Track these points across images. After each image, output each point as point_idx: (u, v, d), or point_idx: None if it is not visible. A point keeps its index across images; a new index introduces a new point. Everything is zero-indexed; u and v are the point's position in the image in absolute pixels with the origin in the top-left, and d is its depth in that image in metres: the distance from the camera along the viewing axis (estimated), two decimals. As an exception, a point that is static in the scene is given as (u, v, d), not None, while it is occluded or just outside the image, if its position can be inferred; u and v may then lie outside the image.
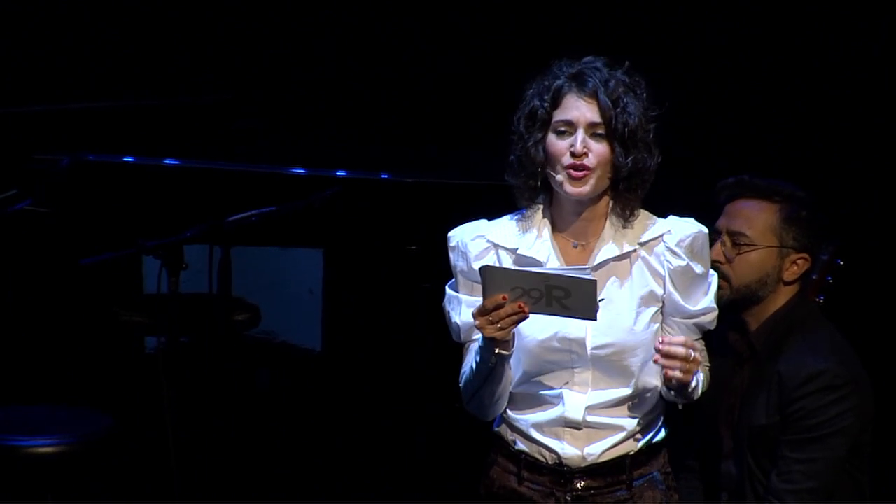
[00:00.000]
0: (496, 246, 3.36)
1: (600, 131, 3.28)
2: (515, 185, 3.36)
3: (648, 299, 3.34)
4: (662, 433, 3.45)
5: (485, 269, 3.16)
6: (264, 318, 5.68)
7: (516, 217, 3.40)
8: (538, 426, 3.37)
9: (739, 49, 5.75)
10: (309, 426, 5.66)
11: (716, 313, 3.39)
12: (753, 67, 5.74)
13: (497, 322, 3.16)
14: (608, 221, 3.35)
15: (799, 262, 3.92)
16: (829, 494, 3.82)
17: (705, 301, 3.36)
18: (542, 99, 3.32)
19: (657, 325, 3.35)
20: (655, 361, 3.23)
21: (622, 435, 3.37)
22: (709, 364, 3.45)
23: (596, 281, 3.13)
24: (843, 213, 5.03)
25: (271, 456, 5.61)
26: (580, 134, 3.27)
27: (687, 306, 3.34)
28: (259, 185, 5.18)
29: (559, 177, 3.28)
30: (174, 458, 4.13)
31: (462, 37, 6.30)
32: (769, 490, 3.81)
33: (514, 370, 3.35)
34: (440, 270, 3.49)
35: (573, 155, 3.26)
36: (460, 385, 3.39)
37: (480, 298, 3.18)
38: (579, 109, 3.28)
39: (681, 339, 3.24)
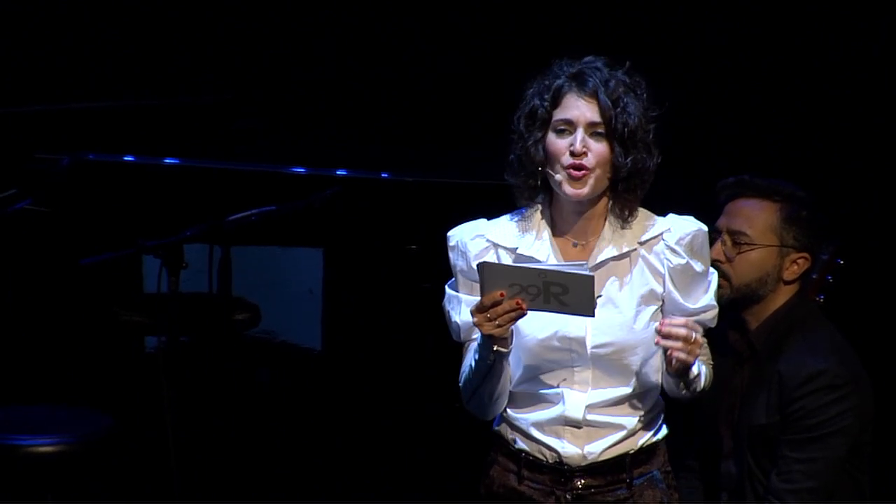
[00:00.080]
0: (496, 245, 3.36)
1: (600, 130, 3.28)
2: (515, 185, 3.36)
3: (648, 298, 3.34)
4: (662, 432, 3.45)
5: (482, 266, 3.16)
6: (264, 318, 5.68)
7: (516, 216, 3.40)
8: (538, 425, 3.37)
9: (739, 49, 5.75)
10: (309, 426, 5.66)
11: (716, 311, 3.38)
12: (753, 67, 5.74)
13: (495, 319, 3.16)
14: (608, 221, 3.35)
15: (799, 261, 3.92)
16: (829, 494, 3.82)
17: (705, 299, 3.36)
18: (542, 98, 3.32)
19: (657, 324, 3.34)
20: (657, 343, 3.23)
21: (622, 434, 3.37)
22: (712, 362, 3.44)
23: (593, 277, 3.13)
24: (843, 213, 5.03)
25: (271, 456, 5.61)
26: (580, 133, 3.27)
27: (687, 304, 3.34)
28: (259, 184, 5.19)
29: (558, 176, 3.29)
30: (174, 458, 4.13)
31: (462, 37, 6.30)
32: (769, 490, 3.81)
33: (515, 369, 3.36)
34: (440, 270, 3.49)
35: (572, 154, 3.26)
36: (460, 384, 3.39)
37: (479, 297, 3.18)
38: (579, 109, 3.28)
39: (682, 320, 3.24)
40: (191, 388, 5.07)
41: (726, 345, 3.93)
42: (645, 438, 3.40)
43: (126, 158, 5.29)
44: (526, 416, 3.38)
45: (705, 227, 3.37)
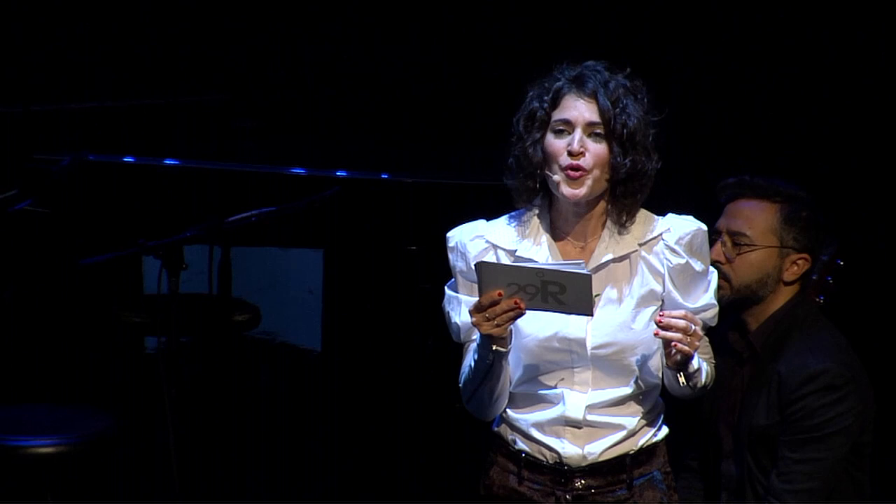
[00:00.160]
0: (495, 246, 3.36)
1: (599, 131, 3.28)
2: (514, 187, 3.36)
3: (648, 298, 3.34)
4: (662, 432, 3.45)
5: (480, 265, 3.16)
6: (264, 318, 5.68)
7: (515, 218, 3.40)
8: (538, 425, 3.37)
9: (739, 49, 5.75)
10: (309, 426, 5.66)
11: (716, 309, 3.38)
12: (753, 67, 5.74)
13: (493, 319, 3.16)
14: (607, 222, 3.35)
15: (799, 262, 3.92)
16: (829, 494, 3.82)
17: (705, 298, 3.36)
18: (541, 100, 3.32)
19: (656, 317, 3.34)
20: (656, 335, 3.22)
21: (622, 434, 3.37)
22: (713, 361, 3.44)
23: (591, 275, 3.13)
24: (843, 214, 5.03)
25: (271, 456, 5.61)
26: (578, 133, 3.28)
27: (687, 304, 3.33)
28: (259, 185, 5.18)
29: (556, 177, 3.29)
30: (174, 458, 4.13)
31: (462, 37, 6.30)
32: (769, 490, 3.81)
33: (515, 369, 3.36)
34: (440, 271, 3.49)
35: (570, 154, 3.27)
36: (460, 385, 3.39)
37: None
38: (578, 109, 3.29)
39: (680, 312, 3.24)
40: (191, 388, 5.07)
41: (726, 345, 3.93)
42: (645, 439, 3.40)
43: (126, 159, 5.29)
44: (526, 417, 3.39)
45: (705, 227, 3.37)
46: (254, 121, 6.25)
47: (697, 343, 3.24)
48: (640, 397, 3.38)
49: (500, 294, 3.14)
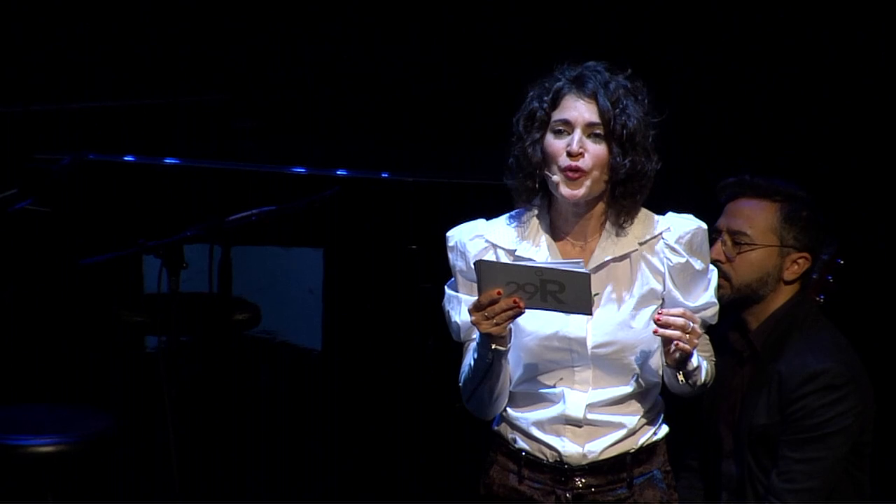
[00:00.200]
0: (494, 246, 3.37)
1: (598, 132, 3.28)
2: (513, 186, 3.36)
3: (648, 297, 3.34)
4: (663, 431, 3.45)
5: (479, 264, 3.16)
6: (264, 317, 5.68)
7: (514, 217, 3.40)
8: (539, 424, 3.37)
9: (739, 49, 5.75)
10: (309, 426, 5.66)
11: (717, 308, 3.39)
12: (753, 68, 5.74)
13: (492, 317, 3.16)
14: (607, 222, 3.35)
15: (799, 261, 3.92)
16: (829, 494, 3.82)
17: (705, 296, 3.36)
18: (541, 100, 3.32)
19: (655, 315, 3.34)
20: (655, 333, 3.23)
21: (623, 433, 3.37)
22: (713, 359, 3.44)
23: (590, 274, 3.13)
24: (843, 213, 5.03)
25: (271, 456, 5.61)
26: (577, 133, 3.28)
27: (687, 302, 3.34)
28: (259, 184, 5.18)
29: (555, 178, 3.29)
30: (174, 458, 4.13)
31: (462, 37, 6.30)
32: (769, 490, 3.81)
33: (515, 369, 3.36)
34: (440, 270, 3.49)
35: (569, 155, 3.27)
36: (460, 384, 3.39)
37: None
38: (577, 109, 3.29)
39: (679, 310, 3.24)
40: (191, 388, 5.07)
41: (726, 345, 3.93)
42: (645, 438, 3.40)
43: (126, 158, 5.29)
44: (526, 416, 3.39)
45: (704, 225, 3.37)
46: (254, 121, 6.25)
47: (696, 341, 3.24)
48: (641, 396, 3.38)
49: (499, 293, 3.14)
